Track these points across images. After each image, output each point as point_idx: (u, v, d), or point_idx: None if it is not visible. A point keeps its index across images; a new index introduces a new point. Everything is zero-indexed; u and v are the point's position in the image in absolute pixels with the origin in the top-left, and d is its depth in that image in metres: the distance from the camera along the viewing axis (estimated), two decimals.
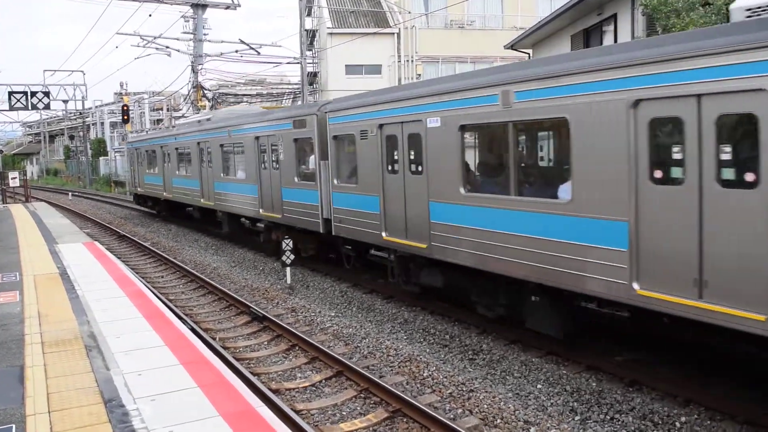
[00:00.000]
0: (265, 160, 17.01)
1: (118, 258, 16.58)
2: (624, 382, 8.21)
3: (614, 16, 19.19)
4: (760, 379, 7.85)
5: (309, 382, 8.85)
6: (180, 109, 51.43)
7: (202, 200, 21.94)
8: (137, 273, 15.76)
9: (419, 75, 38.21)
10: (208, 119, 22.33)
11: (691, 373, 8.16)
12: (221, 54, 37.36)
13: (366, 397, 8.21)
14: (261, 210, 17.36)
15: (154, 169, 27.91)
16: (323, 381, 8.87)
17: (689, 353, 8.64)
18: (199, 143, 21.93)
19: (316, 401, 8.22)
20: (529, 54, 26.40)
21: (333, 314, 12.17)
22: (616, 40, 18.77)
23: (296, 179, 15.37)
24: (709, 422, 7.11)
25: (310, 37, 40.59)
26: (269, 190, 16.78)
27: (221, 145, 20.05)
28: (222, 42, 37.24)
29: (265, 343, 10.81)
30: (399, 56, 39.92)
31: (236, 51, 36.39)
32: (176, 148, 24.58)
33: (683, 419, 7.19)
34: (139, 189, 30.74)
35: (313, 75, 42.81)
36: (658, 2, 14.02)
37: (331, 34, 39.65)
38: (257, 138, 17.21)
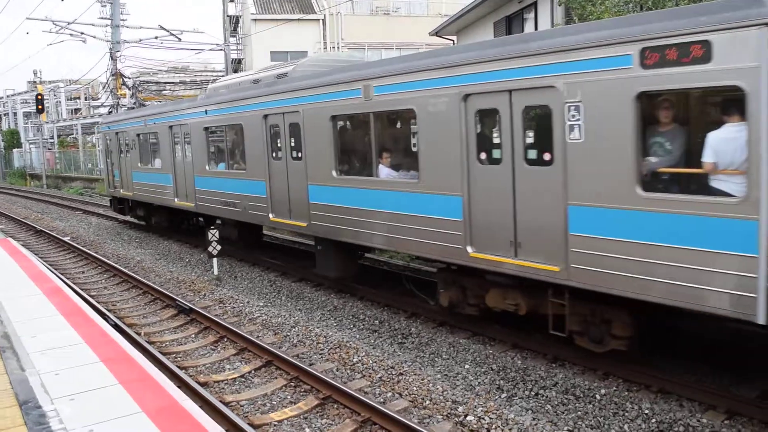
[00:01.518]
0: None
1: (35, 255, 15.86)
2: (547, 358, 8.51)
3: (535, 4, 19.63)
4: (667, 349, 8.29)
5: (238, 373, 8.74)
6: (99, 98, 49.46)
7: (271, 215, 13.29)
8: (56, 269, 15.13)
9: None
10: (284, 74, 13.05)
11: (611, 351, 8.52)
12: (140, 40, 36.04)
13: (296, 386, 8.19)
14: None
15: (153, 163, 19.30)
16: (252, 372, 8.79)
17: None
18: (267, 116, 12.93)
19: (245, 392, 8.14)
20: (453, 41, 26.70)
21: (262, 304, 12.05)
22: (536, 28, 19.22)
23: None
24: (626, 393, 7.45)
25: (233, 23, 39.74)
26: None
27: (345, 117, 11.50)
28: (141, 28, 36.06)
29: (193, 336, 10.60)
30: (325, 43, 39.62)
31: (156, 37, 35.19)
32: (207, 128, 15.63)
33: (603, 391, 7.51)
34: (121, 191, 21.73)
35: (238, 62, 41.93)
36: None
37: (255, 20, 38.92)
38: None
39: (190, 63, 50.63)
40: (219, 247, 14.36)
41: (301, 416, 7.37)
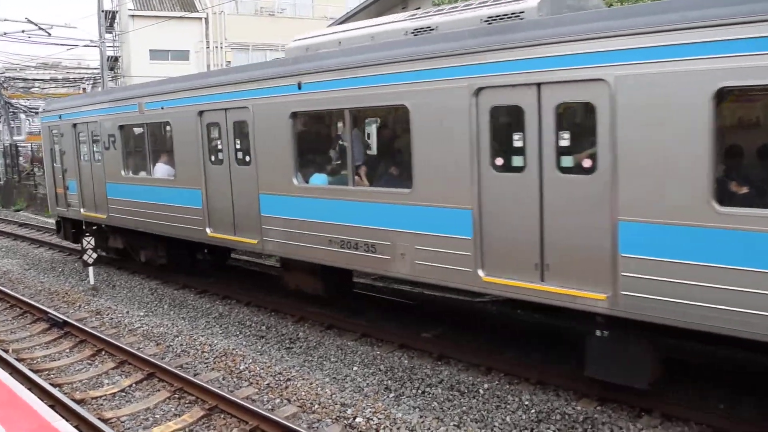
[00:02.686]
0: None
1: None
2: (433, 357, 8.72)
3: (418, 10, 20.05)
4: (545, 342, 8.75)
5: (118, 387, 8.34)
6: None
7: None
8: None
9: (229, 62, 37.15)
10: (427, 29, 8.41)
11: (491, 344, 8.88)
12: (5, 34, 33.52)
13: (180, 397, 7.92)
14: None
15: (143, 171, 13.19)
16: (134, 385, 8.41)
17: (487, 325, 9.41)
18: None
19: (126, 407, 7.78)
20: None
21: (142, 314, 11.55)
22: None
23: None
24: (508, 386, 7.79)
25: (109, 19, 37.77)
26: None
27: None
28: (5, 20, 33.43)
29: (67, 350, 9.98)
30: (208, 42, 38.51)
31: (23, 31, 32.84)
32: (297, 113, 9.59)
33: (486, 386, 7.81)
34: (82, 211, 14.98)
35: (114, 59, 39.97)
36: (451, 2, 14.90)
37: (133, 16, 37.20)
38: None
39: (62, 59, 47.73)
40: (95, 255, 13.60)
41: (187, 429, 7.13)
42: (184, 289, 13.07)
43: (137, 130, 13.28)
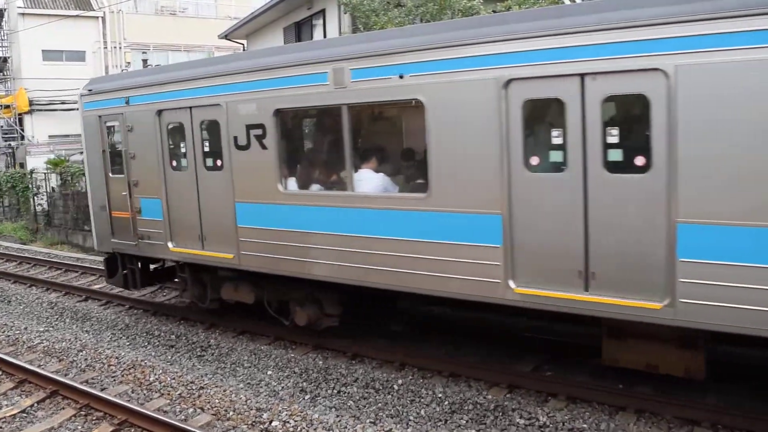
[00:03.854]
0: None
1: None
2: (347, 356, 8.79)
3: (323, 11, 20.09)
4: (451, 336, 9.00)
5: (18, 408, 7.89)
6: None
7: (171, 245, 9.94)
8: None
9: (128, 63, 35.81)
10: None
11: (405, 340, 9.05)
12: None
13: (87, 414, 7.60)
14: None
15: (328, 183, 8.61)
16: (35, 405, 7.98)
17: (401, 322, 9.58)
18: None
19: (28, 429, 7.38)
20: (243, 45, 26.40)
21: (42, 329, 10.98)
22: (325, 35, 19.68)
23: None
24: (421, 380, 7.96)
25: None
26: None
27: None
28: None
29: None
30: (105, 42, 36.96)
31: None
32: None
33: (400, 381, 7.94)
34: (171, 246, 9.88)
35: (3, 60, 37.68)
36: (358, 1, 15.02)
37: (23, 14, 35.17)
38: None
39: None
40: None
41: None
42: (87, 301, 12.54)
43: (318, 117, 9.30)
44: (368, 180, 7.86)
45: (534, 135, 6.52)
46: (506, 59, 6.34)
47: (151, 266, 11.42)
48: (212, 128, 9.02)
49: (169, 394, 7.96)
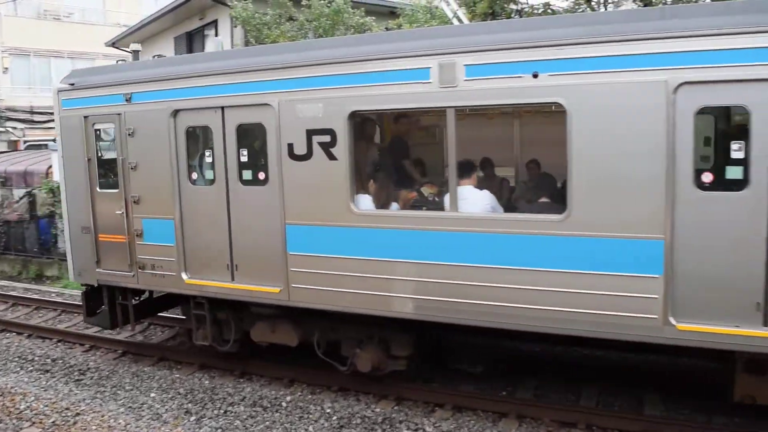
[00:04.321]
0: None
1: None
2: (235, 375, 8.62)
3: (215, 22, 19.75)
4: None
5: None
6: None
7: (186, 276, 8.23)
8: None
9: (6, 69, 33.64)
10: None
11: (295, 355, 8.96)
12: None
13: None
14: None
15: (411, 201, 7.54)
16: None
17: None
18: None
19: None
20: (133, 53, 25.45)
21: None
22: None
23: None
24: (310, 396, 7.93)
25: None
26: None
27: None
28: None
29: None
30: None
31: None
32: None
33: (289, 398, 7.88)
34: (186, 277, 8.14)
35: None
36: (248, 15, 14.85)
37: None
38: None
39: None
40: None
41: None
42: None
43: (410, 122, 8.31)
44: (472, 199, 6.69)
45: (706, 148, 5.84)
46: (678, 59, 5.46)
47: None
48: (254, 133, 7.61)
49: (41, 423, 7.49)
